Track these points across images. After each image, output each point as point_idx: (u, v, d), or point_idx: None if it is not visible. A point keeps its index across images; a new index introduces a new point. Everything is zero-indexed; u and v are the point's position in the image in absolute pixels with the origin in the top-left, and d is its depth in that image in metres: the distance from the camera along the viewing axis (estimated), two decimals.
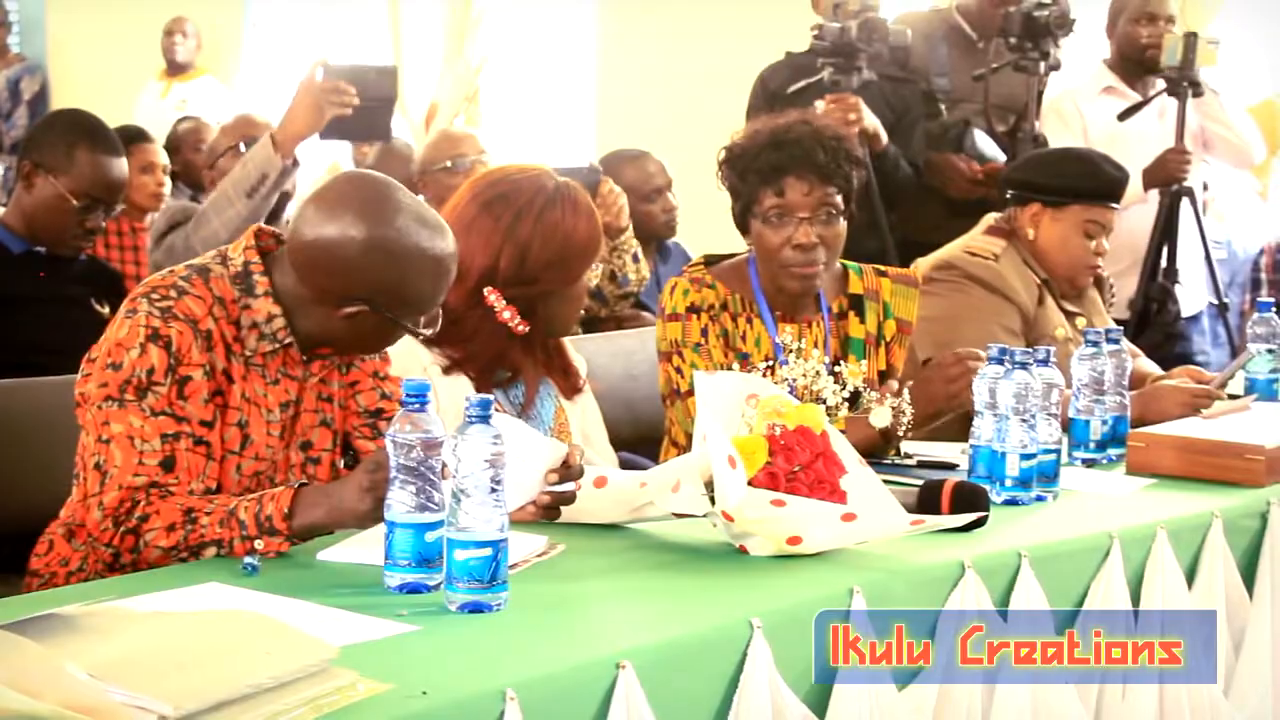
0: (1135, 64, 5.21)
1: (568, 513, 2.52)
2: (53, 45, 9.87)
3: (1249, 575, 2.90)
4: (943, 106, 5.22)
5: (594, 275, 3.11)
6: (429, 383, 2.18)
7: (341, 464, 2.70)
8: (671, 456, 3.13)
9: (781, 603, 2.25)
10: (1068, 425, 3.15)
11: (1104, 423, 3.18)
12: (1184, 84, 4.97)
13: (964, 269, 3.76)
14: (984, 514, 2.57)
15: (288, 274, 2.53)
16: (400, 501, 2.15)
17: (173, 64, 9.02)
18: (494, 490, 2.08)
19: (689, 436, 2.89)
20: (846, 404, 2.86)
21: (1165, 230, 5.05)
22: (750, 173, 3.19)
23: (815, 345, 3.20)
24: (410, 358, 2.87)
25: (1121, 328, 3.47)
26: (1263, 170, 6.94)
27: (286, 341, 2.54)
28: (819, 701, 2.22)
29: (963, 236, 3.90)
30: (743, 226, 3.26)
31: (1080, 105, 5.24)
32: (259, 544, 2.32)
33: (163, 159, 5.44)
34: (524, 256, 2.91)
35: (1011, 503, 2.78)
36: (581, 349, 3.26)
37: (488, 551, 2.08)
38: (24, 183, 3.78)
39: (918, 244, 4.39)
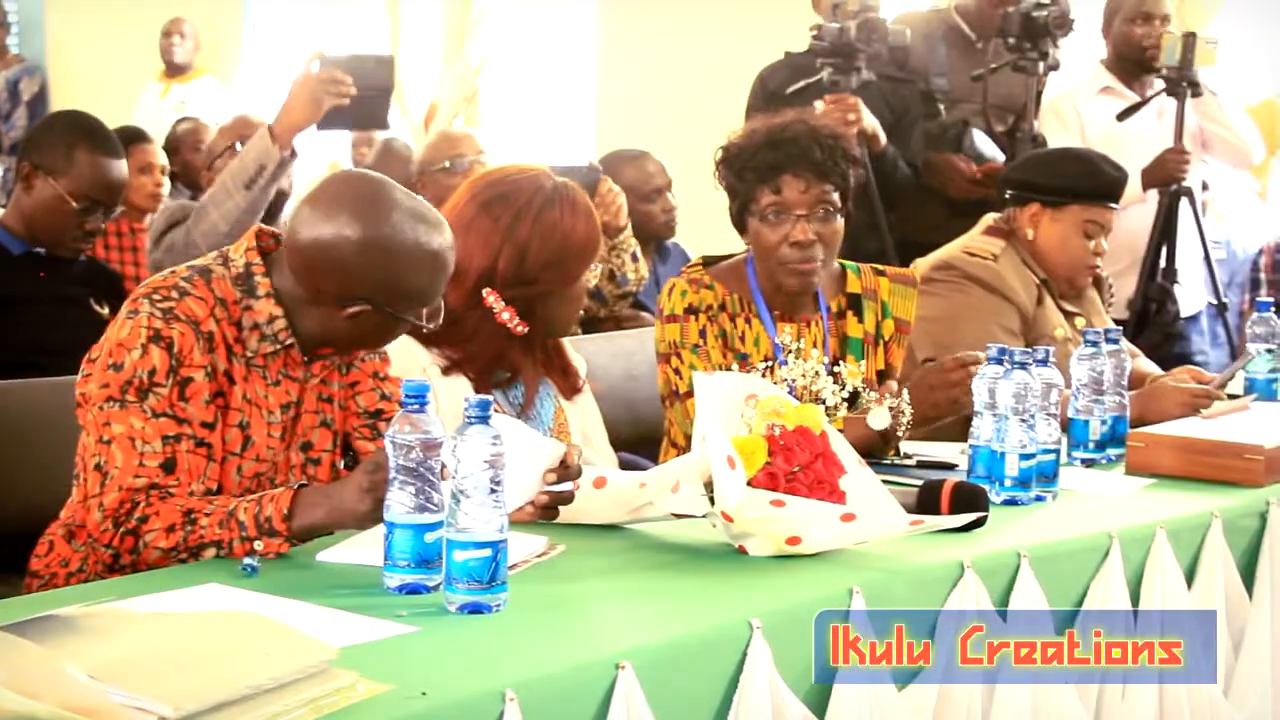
0: (1132, 64, 5.21)
1: (567, 513, 2.52)
2: (52, 46, 9.87)
3: (1248, 575, 2.90)
4: (941, 107, 5.22)
5: (593, 275, 3.10)
6: (428, 383, 2.18)
7: (341, 465, 2.70)
8: (671, 457, 3.13)
9: (781, 603, 2.25)
10: (1067, 425, 3.15)
11: (1103, 423, 3.18)
12: (1182, 84, 4.97)
13: (963, 269, 3.76)
14: (983, 514, 2.57)
15: (287, 275, 2.53)
16: (400, 502, 2.15)
17: (171, 65, 9.02)
18: (493, 491, 2.08)
19: (688, 438, 2.89)
20: (845, 404, 2.86)
21: (1164, 230, 5.05)
22: (747, 171, 3.19)
23: (814, 345, 3.20)
24: (409, 358, 2.87)
25: (1120, 328, 3.47)
26: (1262, 170, 6.94)
27: (288, 343, 2.54)
28: (819, 702, 2.22)
29: (962, 237, 3.90)
30: (740, 225, 3.27)
31: (1078, 105, 5.24)
32: (258, 545, 2.32)
33: (161, 159, 5.43)
34: (523, 257, 2.91)
35: (1011, 503, 2.78)
36: (581, 349, 3.26)
37: (487, 552, 2.08)
38: (23, 184, 3.78)
39: (917, 244, 4.40)
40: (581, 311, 3.32)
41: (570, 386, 3.11)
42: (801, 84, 4.88)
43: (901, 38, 5.00)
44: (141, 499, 2.40)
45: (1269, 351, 3.71)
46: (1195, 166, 5.14)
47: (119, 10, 9.46)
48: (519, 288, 2.92)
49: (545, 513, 2.50)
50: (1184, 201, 5.03)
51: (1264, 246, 6.71)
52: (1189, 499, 2.92)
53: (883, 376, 3.28)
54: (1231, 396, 3.61)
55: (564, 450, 2.45)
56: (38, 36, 9.95)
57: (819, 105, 4.65)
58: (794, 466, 2.43)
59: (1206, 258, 5.14)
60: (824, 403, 2.73)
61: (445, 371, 2.91)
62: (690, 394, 2.81)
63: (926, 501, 2.60)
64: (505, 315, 2.93)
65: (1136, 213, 4.96)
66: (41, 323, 3.71)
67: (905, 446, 3.14)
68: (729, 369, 3.00)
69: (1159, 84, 5.06)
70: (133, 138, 5.21)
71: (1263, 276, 6.63)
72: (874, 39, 4.84)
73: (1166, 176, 5.02)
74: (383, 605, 2.11)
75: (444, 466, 2.14)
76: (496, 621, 2.08)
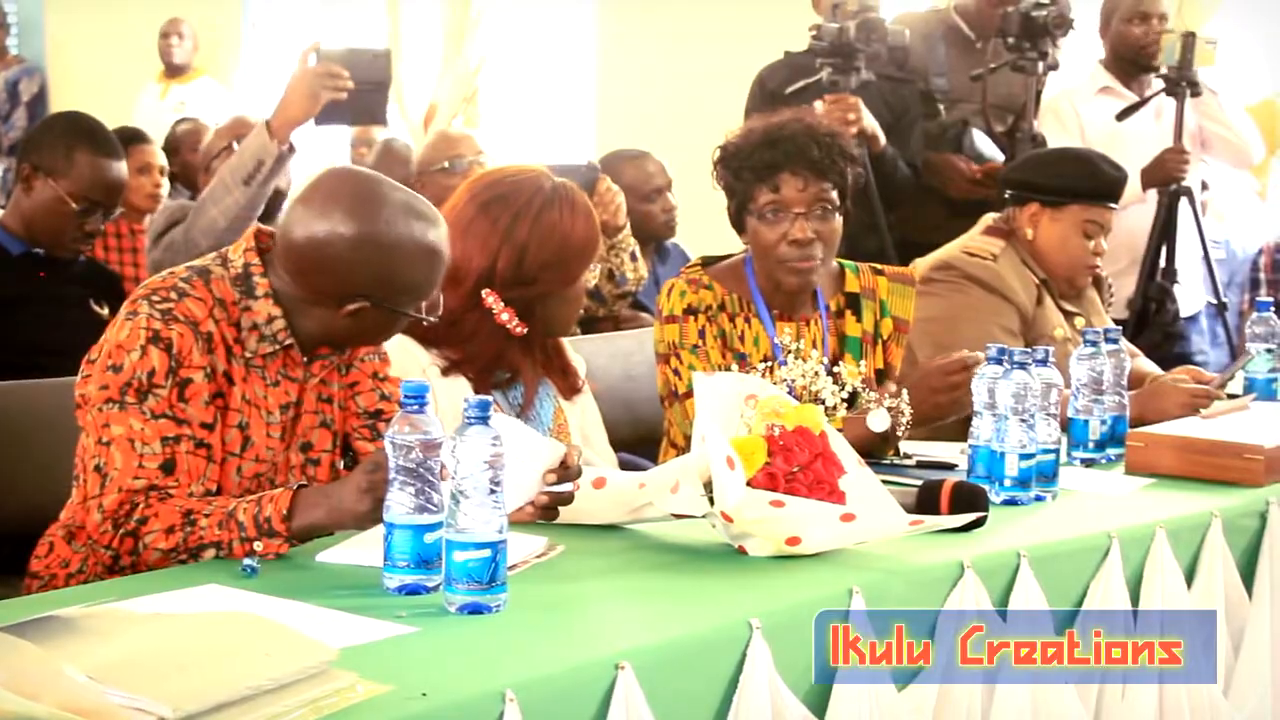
0: (1130, 64, 5.21)
1: (566, 513, 2.52)
2: (51, 47, 9.87)
3: (1248, 575, 2.90)
4: (941, 107, 5.22)
5: (592, 275, 3.10)
6: (428, 384, 2.18)
7: (341, 465, 2.70)
8: (670, 458, 3.13)
9: (781, 603, 2.25)
10: (1067, 425, 3.15)
11: (1103, 422, 3.19)
12: (1182, 84, 4.97)
13: (962, 269, 3.76)
14: (983, 514, 2.57)
15: (283, 275, 2.53)
16: (399, 503, 2.15)
17: (170, 66, 9.01)
18: (493, 491, 2.08)
19: (688, 438, 2.89)
20: (845, 404, 2.86)
21: (1164, 230, 5.05)
22: (745, 170, 3.19)
23: (813, 344, 3.20)
24: (409, 359, 2.87)
25: (1120, 327, 3.47)
26: (1261, 170, 6.94)
27: (287, 343, 2.54)
28: (819, 702, 2.22)
29: (961, 237, 3.90)
30: (738, 225, 3.27)
31: (1077, 105, 5.24)
32: (258, 545, 2.32)
33: (160, 160, 5.43)
34: (522, 257, 2.91)
35: (1010, 503, 2.78)
36: (580, 349, 3.26)
37: (487, 553, 2.08)
38: (23, 185, 3.78)
39: (916, 244, 4.40)
40: (581, 311, 3.32)
41: (570, 387, 3.11)
42: (801, 84, 4.88)
43: (901, 38, 5.00)
44: (141, 500, 2.39)
45: (1269, 351, 3.71)
46: (1195, 166, 5.14)
47: (118, 11, 9.46)
48: (518, 288, 2.92)
49: (545, 513, 2.50)
50: (1183, 201, 5.04)
51: (1264, 246, 6.71)
52: (1189, 499, 2.92)
53: (881, 376, 3.28)
54: (1231, 396, 3.62)
55: (564, 451, 2.45)
56: (37, 37, 9.95)
57: (818, 105, 4.65)
58: (793, 467, 2.43)
59: (1206, 257, 5.14)
60: (823, 403, 2.73)
61: (445, 372, 2.91)
62: (689, 394, 2.81)
63: (926, 501, 2.60)
64: (504, 316, 2.93)
65: (1136, 213, 4.96)
66: (41, 323, 3.71)
67: (905, 446, 3.14)
68: (728, 369, 3.00)
69: (1158, 84, 5.06)
70: (132, 138, 5.21)
71: (1262, 276, 6.63)
72: (873, 39, 4.84)
73: (1166, 176, 5.02)
74: (382, 606, 2.11)
75: (443, 467, 2.14)
76: (496, 622, 2.08)
